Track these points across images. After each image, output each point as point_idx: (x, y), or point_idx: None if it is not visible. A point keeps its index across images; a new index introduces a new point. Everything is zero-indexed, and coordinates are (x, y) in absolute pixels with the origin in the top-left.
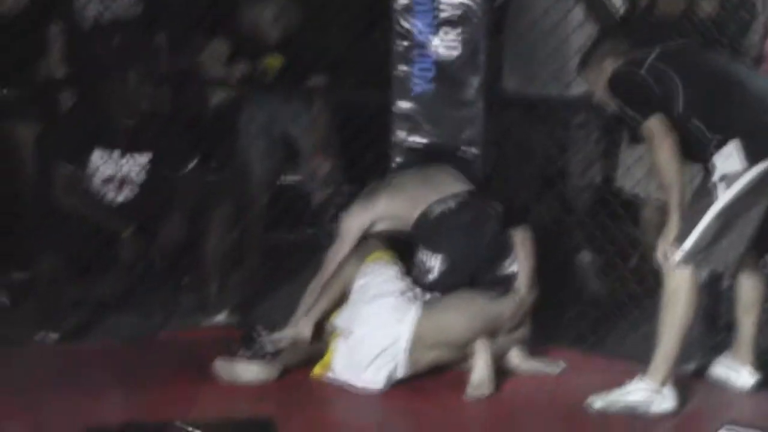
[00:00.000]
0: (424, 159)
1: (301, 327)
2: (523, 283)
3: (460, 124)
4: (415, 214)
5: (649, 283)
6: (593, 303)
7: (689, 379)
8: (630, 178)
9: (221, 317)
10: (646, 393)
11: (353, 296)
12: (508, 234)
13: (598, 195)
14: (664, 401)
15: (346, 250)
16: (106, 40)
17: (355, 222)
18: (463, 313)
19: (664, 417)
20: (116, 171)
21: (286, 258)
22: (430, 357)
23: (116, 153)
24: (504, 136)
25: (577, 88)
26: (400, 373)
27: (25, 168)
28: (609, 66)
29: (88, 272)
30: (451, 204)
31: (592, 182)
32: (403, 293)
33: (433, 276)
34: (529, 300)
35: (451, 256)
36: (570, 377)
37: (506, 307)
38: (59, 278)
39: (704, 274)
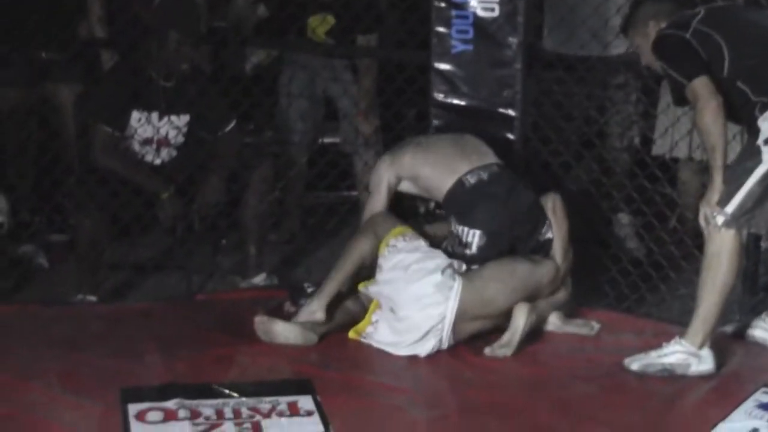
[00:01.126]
0: (462, 120)
1: (315, 309)
2: (557, 251)
3: (499, 85)
4: (445, 183)
5: (687, 245)
6: (632, 264)
7: (728, 340)
8: (667, 140)
9: (260, 279)
10: (684, 355)
11: (391, 273)
12: (541, 201)
13: (637, 157)
14: (702, 363)
15: (382, 203)
16: (146, 0)
17: (383, 175)
18: (504, 285)
19: (702, 379)
20: (154, 133)
21: (325, 219)
22: (473, 327)
23: (155, 115)
24: (543, 97)
25: (617, 48)
26: (444, 346)
27: (66, 130)
28: (653, 29)
29: (127, 234)
30: (484, 176)
31: (631, 144)
32: (443, 270)
33: (470, 251)
34: (565, 266)
35: (489, 231)
36: (608, 338)
37: (545, 273)
38: (98, 240)
39: (745, 235)
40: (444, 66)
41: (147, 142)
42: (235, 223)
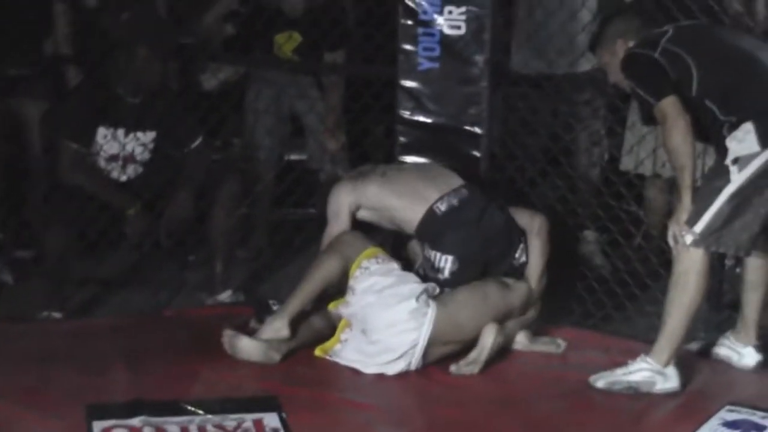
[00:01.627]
0: (428, 137)
1: (278, 326)
2: (533, 273)
3: (465, 102)
4: (416, 213)
5: (652, 263)
6: (598, 281)
7: (693, 358)
8: (633, 157)
9: (226, 295)
10: (650, 373)
11: (364, 296)
12: (514, 223)
13: (603, 174)
14: (667, 381)
15: (342, 227)
16: (114, 16)
17: (344, 199)
18: (476, 310)
19: (667, 396)
20: (120, 150)
21: (292, 236)
22: (444, 351)
23: (121, 131)
24: (510, 114)
25: (583, 66)
26: (413, 368)
27: (32, 145)
28: (621, 47)
29: (94, 250)
30: (454, 201)
31: (598, 161)
32: (418, 297)
33: (443, 276)
34: (538, 289)
35: (461, 257)
36: (574, 356)
37: (517, 297)
38: (65, 256)
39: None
40: (410, 83)
41: (113, 158)
42: (203, 238)
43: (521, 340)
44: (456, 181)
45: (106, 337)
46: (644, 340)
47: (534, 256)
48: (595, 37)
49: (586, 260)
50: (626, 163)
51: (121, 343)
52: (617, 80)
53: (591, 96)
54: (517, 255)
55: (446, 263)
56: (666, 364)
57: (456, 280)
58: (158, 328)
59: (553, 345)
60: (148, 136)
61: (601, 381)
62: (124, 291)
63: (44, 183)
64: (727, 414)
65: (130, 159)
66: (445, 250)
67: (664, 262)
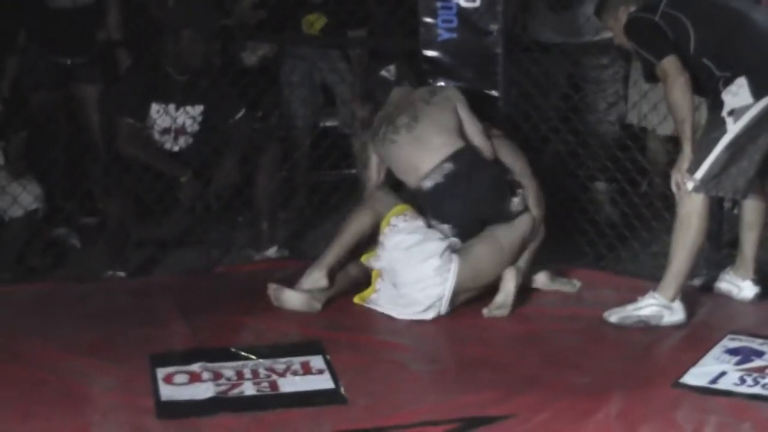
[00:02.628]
0: None
1: (316, 277)
2: (531, 203)
3: (483, 68)
4: (408, 183)
5: (656, 207)
6: (608, 226)
7: (696, 293)
8: (637, 112)
9: (272, 251)
10: (658, 308)
11: (392, 253)
12: (503, 178)
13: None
14: (674, 314)
15: (372, 176)
16: (160, 2)
17: (370, 153)
18: (494, 257)
19: (674, 328)
20: (172, 123)
21: (329, 196)
22: (467, 296)
23: (171, 106)
24: (524, 77)
25: (589, 36)
26: (442, 313)
27: (92, 123)
28: (623, 12)
29: (150, 214)
30: (439, 178)
31: (617, 120)
32: (442, 254)
33: (448, 237)
34: (539, 213)
35: (457, 224)
36: (588, 294)
37: (524, 230)
38: (125, 221)
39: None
40: (432, 53)
41: (165, 131)
42: (249, 201)
43: (541, 279)
44: (443, 150)
45: (164, 293)
46: (651, 278)
47: (513, 162)
48: (599, 5)
49: (598, 209)
50: (631, 117)
51: (179, 298)
52: (621, 42)
53: (609, 61)
54: (512, 207)
55: (446, 229)
56: (672, 299)
57: (462, 237)
58: (211, 284)
59: (569, 285)
60: (197, 110)
61: (614, 316)
62: (179, 251)
63: (104, 157)
64: (729, 342)
65: (181, 131)
66: (442, 220)
67: (667, 206)
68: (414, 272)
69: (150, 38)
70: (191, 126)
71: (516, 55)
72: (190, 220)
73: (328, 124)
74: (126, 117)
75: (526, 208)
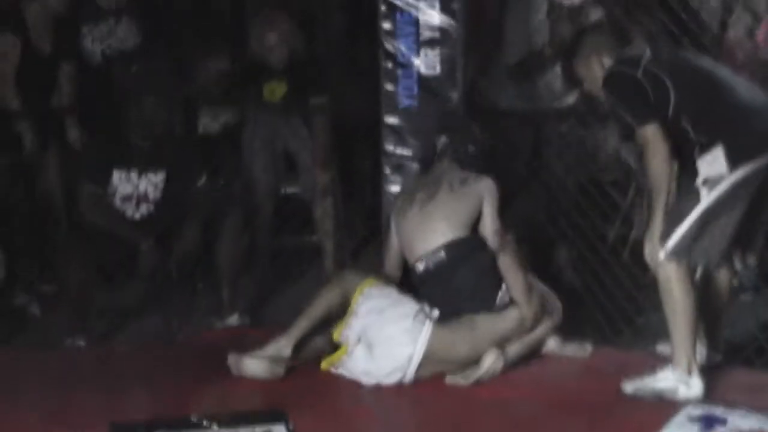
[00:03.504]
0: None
1: (282, 344)
2: (518, 301)
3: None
4: (408, 259)
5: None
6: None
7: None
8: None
9: (233, 319)
10: (674, 382)
11: (367, 317)
12: (490, 275)
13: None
14: (691, 389)
15: (390, 240)
16: (123, 69)
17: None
18: (470, 334)
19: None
20: (134, 190)
21: (291, 263)
22: (436, 369)
23: (134, 173)
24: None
25: (569, 100)
26: (407, 380)
27: (52, 190)
28: (595, 62)
29: (111, 282)
30: (430, 265)
31: (572, 188)
32: (415, 315)
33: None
34: (531, 310)
35: (442, 310)
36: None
37: (508, 323)
38: (86, 288)
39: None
40: (393, 120)
41: (127, 198)
42: (210, 268)
43: (552, 345)
44: (443, 236)
45: (125, 362)
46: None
47: (508, 276)
48: (571, 51)
49: (558, 275)
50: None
51: (139, 367)
52: (593, 90)
53: (568, 127)
54: (498, 300)
55: (432, 311)
56: (688, 371)
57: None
58: (172, 352)
59: (582, 349)
60: (159, 177)
61: (630, 386)
62: (140, 318)
63: (64, 223)
64: (692, 409)
65: (142, 198)
66: (427, 302)
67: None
68: (386, 332)
69: (106, 105)
70: (153, 193)
71: (477, 121)
72: (150, 287)
73: (290, 190)
74: (88, 183)
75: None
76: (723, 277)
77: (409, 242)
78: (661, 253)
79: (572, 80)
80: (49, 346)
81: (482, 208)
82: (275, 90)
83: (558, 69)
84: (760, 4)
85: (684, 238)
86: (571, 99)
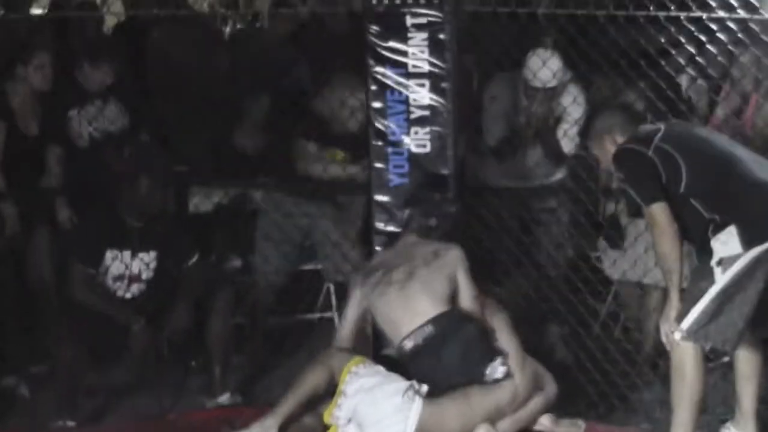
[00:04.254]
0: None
1: (268, 424)
2: (514, 368)
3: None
4: (392, 338)
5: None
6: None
7: None
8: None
9: (225, 398)
10: None
11: (355, 397)
12: (478, 348)
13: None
14: None
15: (349, 322)
16: (113, 151)
17: (354, 300)
18: (461, 411)
19: None
20: (126, 270)
21: (283, 341)
22: None
23: (126, 253)
24: (476, 221)
25: (557, 176)
26: None
27: (41, 270)
28: (608, 141)
29: (102, 360)
30: (419, 340)
31: (561, 262)
32: (404, 393)
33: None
34: (524, 381)
35: (428, 383)
36: None
37: (501, 396)
38: (77, 368)
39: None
40: (383, 197)
41: (119, 278)
42: (201, 346)
43: (543, 422)
44: (428, 312)
45: None
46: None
47: (502, 336)
48: (585, 131)
49: (549, 352)
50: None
51: None
52: (608, 168)
53: (557, 203)
54: (487, 372)
55: (421, 387)
56: None
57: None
58: (163, 431)
59: (575, 426)
60: (151, 256)
61: None
62: (131, 398)
63: (54, 303)
64: None
65: (134, 278)
66: (417, 378)
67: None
68: (376, 411)
69: (96, 186)
70: (145, 272)
71: (467, 199)
72: (141, 366)
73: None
74: (80, 263)
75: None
76: (750, 355)
77: (392, 322)
78: (677, 333)
79: (556, 157)
80: (38, 427)
81: (457, 279)
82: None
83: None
84: (748, 84)
85: (700, 318)
86: (560, 175)
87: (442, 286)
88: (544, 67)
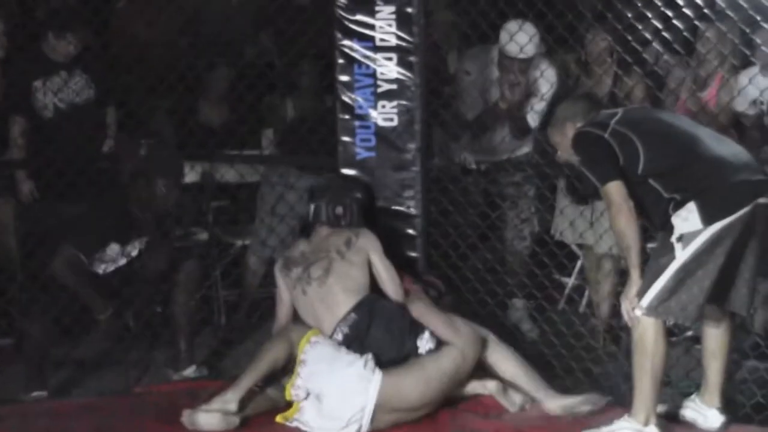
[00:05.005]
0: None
1: (228, 398)
2: (446, 338)
3: (401, 186)
4: (324, 333)
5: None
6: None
7: (661, 420)
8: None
9: (190, 371)
10: (631, 431)
11: (316, 365)
12: (404, 324)
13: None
14: None
15: (283, 308)
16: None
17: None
18: (419, 379)
19: None
20: (119, 258)
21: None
22: (391, 419)
23: (129, 246)
24: (443, 195)
25: (523, 149)
26: (365, 430)
27: (6, 244)
28: (570, 129)
29: (69, 334)
30: (345, 329)
31: (528, 236)
32: (365, 363)
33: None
34: (466, 340)
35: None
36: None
37: (451, 359)
38: (44, 341)
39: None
40: (350, 171)
41: (108, 261)
42: (167, 320)
43: (490, 387)
44: (348, 305)
45: (83, 415)
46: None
47: (427, 322)
48: (546, 118)
49: (515, 326)
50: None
51: (97, 420)
52: (567, 158)
53: (523, 178)
54: (420, 348)
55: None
56: (646, 423)
57: None
58: (130, 404)
59: (517, 400)
60: (142, 241)
61: None
62: (98, 371)
63: (20, 276)
64: None
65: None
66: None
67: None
68: (337, 379)
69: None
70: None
71: (433, 173)
72: (107, 340)
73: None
74: (78, 250)
75: (440, 344)
76: (718, 332)
77: (316, 318)
78: (638, 309)
79: (522, 132)
80: (8, 400)
81: (372, 262)
82: None
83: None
84: (713, 59)
85: (661, 294)
86: (525, 149)
87: (359, 275)
88: (520, 33)
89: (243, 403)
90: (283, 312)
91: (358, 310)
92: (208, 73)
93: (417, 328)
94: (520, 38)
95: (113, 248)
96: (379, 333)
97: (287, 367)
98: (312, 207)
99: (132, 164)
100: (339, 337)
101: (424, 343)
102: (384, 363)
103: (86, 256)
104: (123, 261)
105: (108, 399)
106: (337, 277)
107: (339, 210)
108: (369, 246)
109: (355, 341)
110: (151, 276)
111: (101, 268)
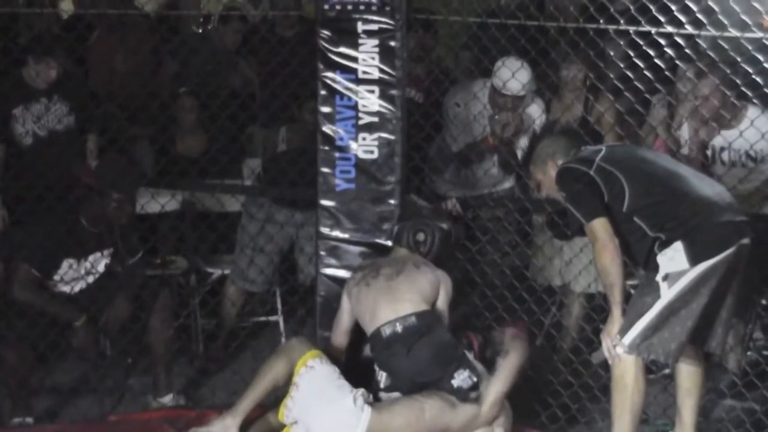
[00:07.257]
0: (346, 251)
1: (228, 423)
2: (489, 396)
3: (379, 219)
4: (369, 328)
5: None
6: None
7: None
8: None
9: (168, 399)
10: None
11: (304, 393)
12: (450, 354)
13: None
14: None
15: (341, 319)
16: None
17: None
18: (409, 422)
19: None
20: (78, 274)
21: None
22: None
23: (83, 260)
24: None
25: (505, 185)
26: None
27: None
28: (551, 166)
29: (44, 362)
30: (398, 328)
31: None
32: (355, 399)
33: (381, 386)
34: (489, 416)
35: (393, 375)
36: None
37: (458, 417)
38: (22, 368)
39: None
40: (329, 202)
41: (70, 281)
42: (145, 348)
43: None
44: (412, 305)
45: None
46: None
47: (502, 371)
48: (528, 157)
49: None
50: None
51: None
52: (551, 194)
53: (504, 213)
54: (454, 381)
55: (381, 376)
56: None
57: (392, 390)
58: None
59: None
60: (103, 255)
61: None
62: (73, 399)
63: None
64: None
65: (83, 277)
66: (380, 367)
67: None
68: (326, 411)
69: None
70: (93, 271)
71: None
72: (84, 366)
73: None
74: (31, 267)
75: (472, 394)
76: (692, 369)
77: (373, 309)
78: (619, 347)
79: (507, 167)
80: None
81: (440, 293)
82: None
83: (495, 156)
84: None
85: (644, 332)
86: (507, 184)
87: (429, 288)
88: (514, 77)
89: (243, 428)
90: (340, 325)
91: (421, 318)
92: (173, 103)
93: (462, 364)
94: (517, 76)
95: (69, 262)
96: (425, 350)
97: (287, 386)
98: (396, 228)
99: (85, 178)
100: (388, 332)
101: (461, 379)
102: (407, 384)
103: (40, 271)
104: (90, 278)
105: (82, 427)
106: (407, 278)
107: (420, 236)
108: (444, 281)
109: (401, 344)
110: (121, 295)
111: (68, 288)
